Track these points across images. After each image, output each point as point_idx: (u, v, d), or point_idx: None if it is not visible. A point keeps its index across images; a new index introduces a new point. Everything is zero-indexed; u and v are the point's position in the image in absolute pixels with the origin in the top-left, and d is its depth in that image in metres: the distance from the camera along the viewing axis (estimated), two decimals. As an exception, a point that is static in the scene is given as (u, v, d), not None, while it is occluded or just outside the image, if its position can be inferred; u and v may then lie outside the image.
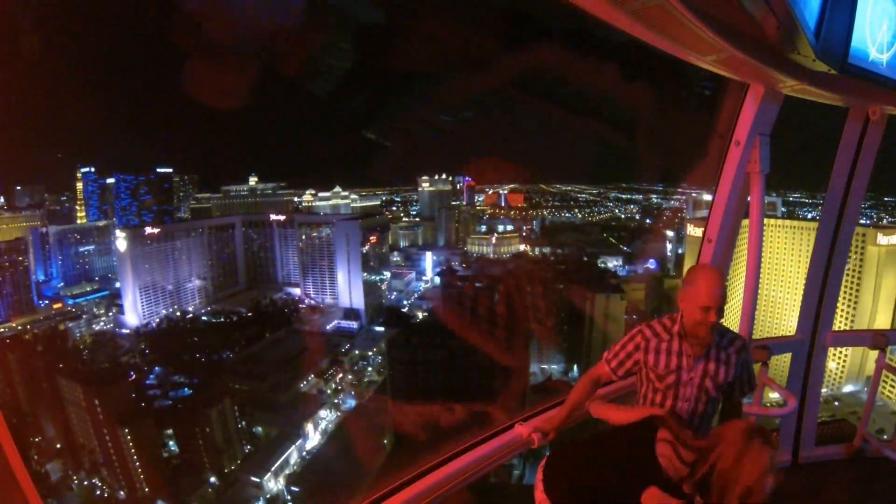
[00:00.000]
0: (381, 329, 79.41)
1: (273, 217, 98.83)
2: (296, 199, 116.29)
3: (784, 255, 69.53)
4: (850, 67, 3.04)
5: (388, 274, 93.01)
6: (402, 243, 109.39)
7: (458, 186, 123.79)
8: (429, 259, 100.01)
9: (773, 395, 4.85)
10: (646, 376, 2.99)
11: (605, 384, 3.31)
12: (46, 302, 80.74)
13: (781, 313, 66.83)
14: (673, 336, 2.91)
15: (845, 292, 63.14)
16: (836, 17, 2.85)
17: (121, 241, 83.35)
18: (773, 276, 68.90)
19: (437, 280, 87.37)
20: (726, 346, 2.91)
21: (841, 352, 61.34)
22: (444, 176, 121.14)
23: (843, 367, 61.87)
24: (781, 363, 5.16)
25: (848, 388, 60.97)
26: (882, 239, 63.04)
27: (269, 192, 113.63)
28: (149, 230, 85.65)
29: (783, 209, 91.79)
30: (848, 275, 62.85)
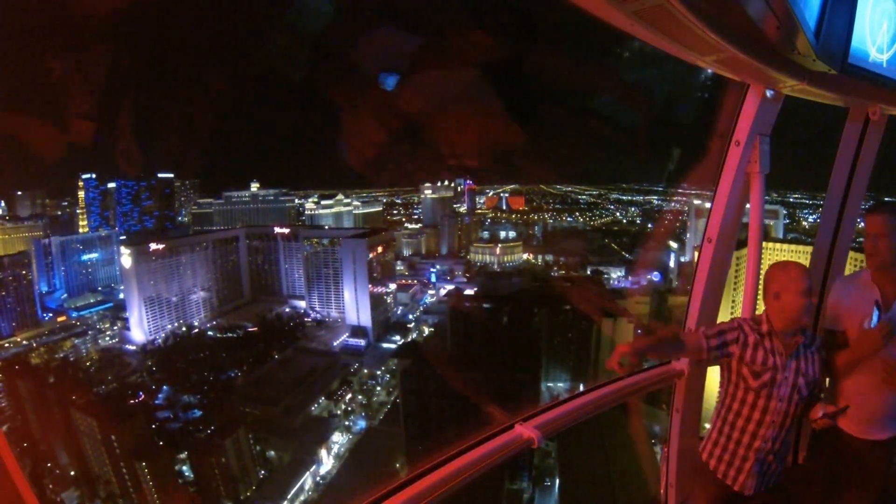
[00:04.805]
0: (389, 346, 79.77)
1: (277, 230, 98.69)
2: (297, 200, 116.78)
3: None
4: (850, 67, 3.04)
5: (393, 286, 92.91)
6: (406, 252, 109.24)
7: (459, 189, 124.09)
8: (433, 269, 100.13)
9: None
10: (737, 374, 2.95)
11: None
12: (51, 315, 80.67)
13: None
14: (764, 335, 2.91)
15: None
16: (836, 17, 2.85)
17: (126, 258, 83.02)
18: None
19: (444, 297, 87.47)
20: (810, 343, 2.98)
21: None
22: (445, 182, 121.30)
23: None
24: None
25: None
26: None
27: (271, 198, 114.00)
28: (153, 246, 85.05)
29: (785, 211, 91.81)
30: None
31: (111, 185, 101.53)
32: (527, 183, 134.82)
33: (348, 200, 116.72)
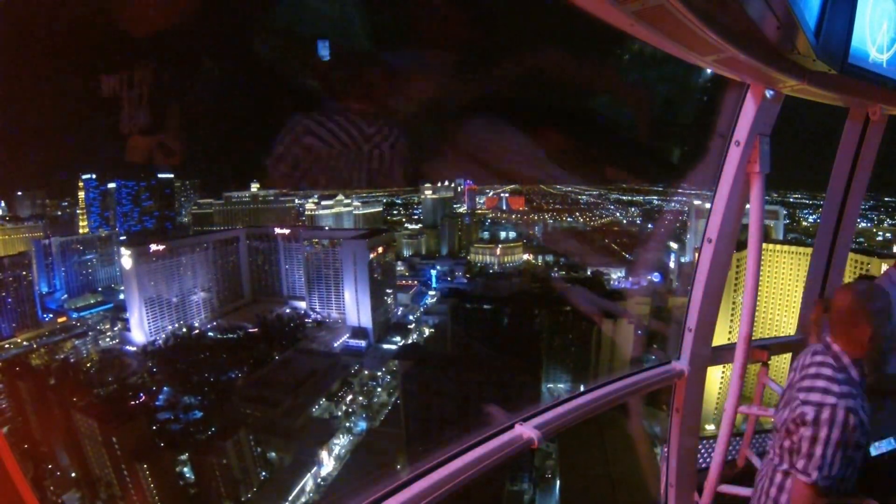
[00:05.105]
0: (390, 347, 79.83)
1: (277, 231, 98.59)
2: (297, 200, 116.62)
3: (786, 280, 68.68)
4: (850, 67, 3.04)
5: (393, 287, 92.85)
6: (406, 252, 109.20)
7: (459, 189, 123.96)
8: (434, 270, 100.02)
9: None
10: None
11: None
12: (51, 315, 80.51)
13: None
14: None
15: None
16: (836, 17, 2.85)
17: (126, 259, 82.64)
18: (776, 301, 68.41)
19: (444, 297, 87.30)
20: None
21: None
22: (446, 182, 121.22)
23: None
24: (781, 363, 5.14)
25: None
26: (885, 268, 62.11)
27: (271, 198, 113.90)
28: (154, 247, 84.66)
29: (785, 211, 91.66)
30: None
31: (111, 185, 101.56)
32: (527, 183, 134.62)
33: (348, 201, 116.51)
